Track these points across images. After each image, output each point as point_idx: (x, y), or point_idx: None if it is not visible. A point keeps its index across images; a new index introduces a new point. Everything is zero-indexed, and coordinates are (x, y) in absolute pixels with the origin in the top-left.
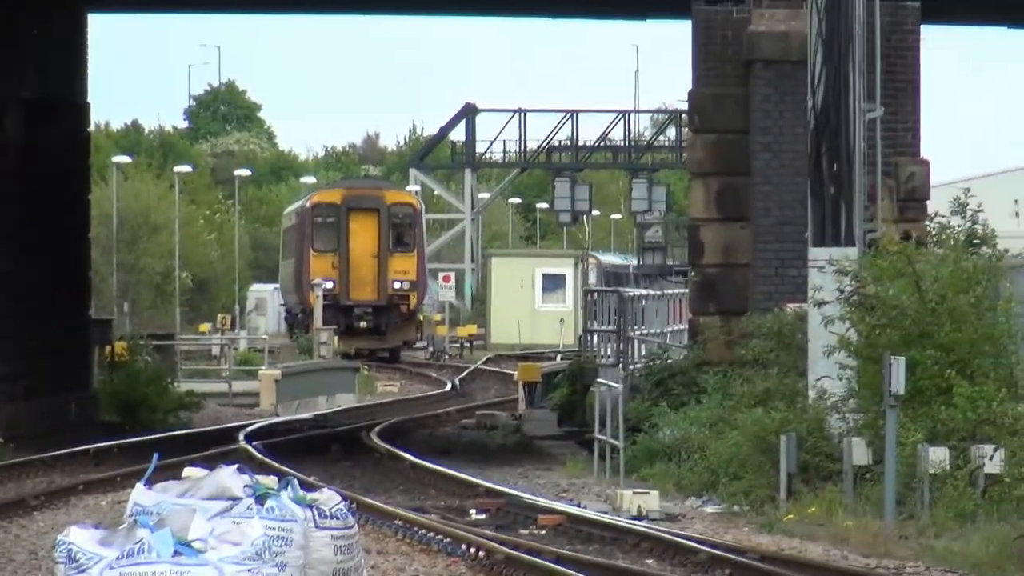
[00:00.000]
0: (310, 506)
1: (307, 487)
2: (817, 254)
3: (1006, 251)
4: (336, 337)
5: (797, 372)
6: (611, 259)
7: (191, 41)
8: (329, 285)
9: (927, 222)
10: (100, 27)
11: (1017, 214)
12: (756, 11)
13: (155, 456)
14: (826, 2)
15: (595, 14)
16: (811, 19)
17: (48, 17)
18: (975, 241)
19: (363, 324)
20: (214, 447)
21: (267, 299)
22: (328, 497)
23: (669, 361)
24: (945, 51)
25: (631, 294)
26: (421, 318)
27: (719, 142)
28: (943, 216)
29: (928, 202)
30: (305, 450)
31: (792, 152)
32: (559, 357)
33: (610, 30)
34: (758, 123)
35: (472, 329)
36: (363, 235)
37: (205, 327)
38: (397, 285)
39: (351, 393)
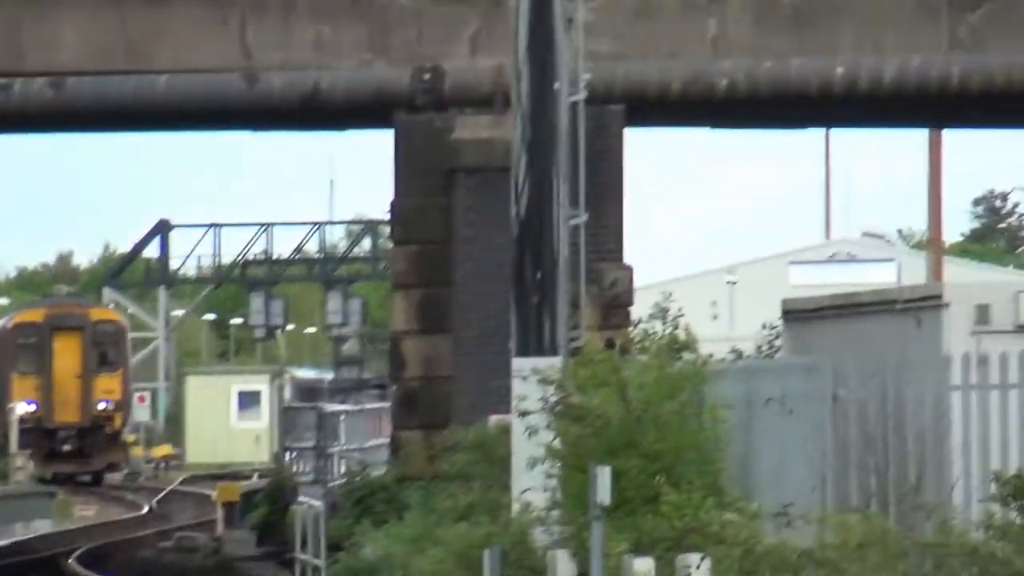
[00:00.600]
0: None
1: None
2: (521, 364)
3: (710, 355)
4: (31, 463)
5: (501, 485)
6: (307, 374)
7: None
8: (32, 408)
9: (631, 328)
10: None
11: (716, 316)
12: (459, 118)
13: None
14: (530, 107)
15: (295, 126)
16: (516, 124)
17: None
18: (676, 346)
19: (67, 447)
20: None
21: None
22: None
23: (370, 477)
24: (650, 153)
25: (329, 409)
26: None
27: (421, 253)
28: (646, 322)
29: (632, 307)
30: None
31: (495, 261)
32: (256, 475)
33: (306, 140)
34: (461, 232)
35: (167, 449)
36: (67, 355)
37: None
38: (102, 405)
39: (48, 519)
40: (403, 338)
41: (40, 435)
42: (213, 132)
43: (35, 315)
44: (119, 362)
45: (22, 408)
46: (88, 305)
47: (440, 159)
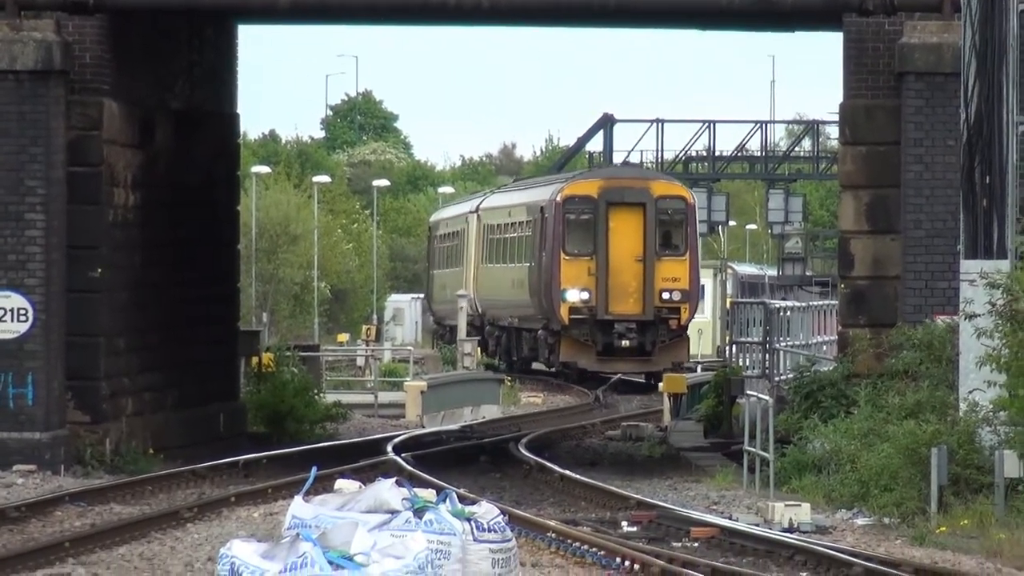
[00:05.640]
0: (468, 519)
1: (464, 500)
2: (969, 266)
3: None
4: (479, 350)
5: (947, 384)
6: (747, 269)
7: (329, 51)
8: (584, 296)
9: None
10: (239, 37)
11: None
12: (908, 23)
13: (313, 469)
14: (980, 14)
15: (744, 26)
16: (964, 31)
17: (199, 29)
18: None
19: (624, 343)
20: (363, 459)
21: (405, 310)
22: (486, 510)
23: (819, 373)
24: None
25: (777, 305)
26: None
27: (870, 154)
28: None
29: None
30: (453, 462)
31: (943, 164)
32: (699, 368)
33: (747, 40)
34: (910, 135)
35: None
36: (625, 235)
37: (343, 337)
38: (666, 296)
39: (495, 404)
40: (852, 238)
41: (593, 328)
42: (662, 29)
43: (588, 187)
44: (685, 245)
45: (574, 296)
46: (650, 177)
47: (889, 62)
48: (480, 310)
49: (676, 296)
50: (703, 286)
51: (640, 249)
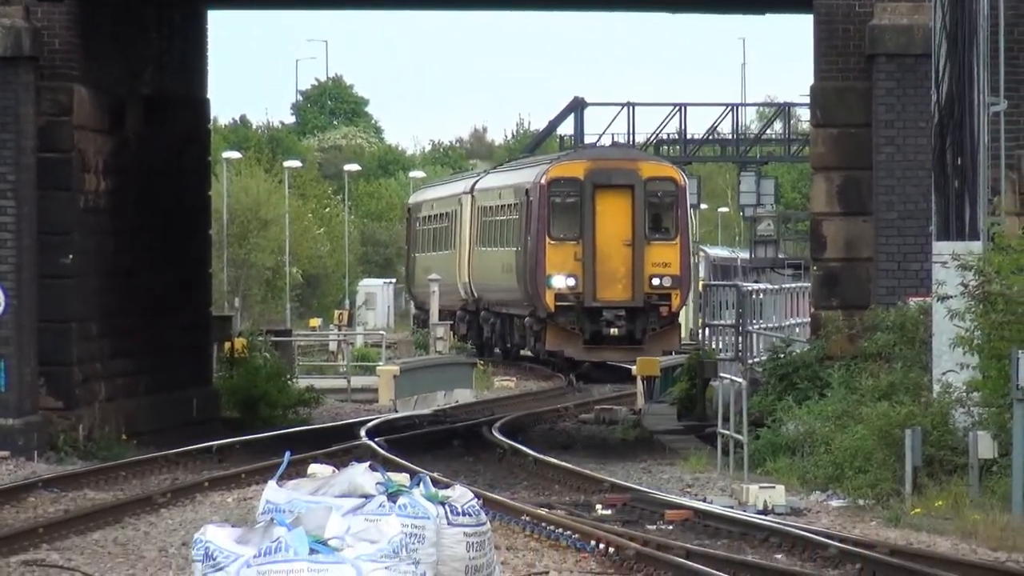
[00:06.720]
0: (442, 503)
1: (438, 484)
2: (941, 248)
3: None
4: (451, 333)
5: (920, 366)
6: (719, 252)
7: (298, 36)
8: (571, 283)
9: None
10: (209, 22)
11: None
12: (878, 4)
13: (287, 454)
14: None
15: (714, 8)
16: (935, 12)
17: (169, 14)
18: None
19: (613, 331)
20: (336, 443)
21: (377, 294)
22: (460, 494)
23: (793, 355)
24: None
25: (749, 288)
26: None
27: (841, 136)
28: None
29: None
30: (427, 446)
31: (915, 146)
32: (673, 351)
33: (717, 23)
34: (881, 117)
35: None
36: (613, 218)
37: (315, 322)
38: (656, 281)
39: (468, 388)
40: (824, 220)
41: (580, 315)
42: (632, 11)
43: (574, 169)
44: (676, 228)
45: (559, 282)
46: (639, 158)
47: (860, 44)
48: (475, 295)
49: (667, 282)
50: None
51: (628, 233)
